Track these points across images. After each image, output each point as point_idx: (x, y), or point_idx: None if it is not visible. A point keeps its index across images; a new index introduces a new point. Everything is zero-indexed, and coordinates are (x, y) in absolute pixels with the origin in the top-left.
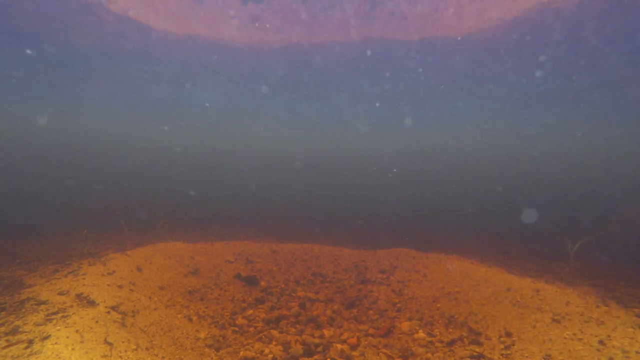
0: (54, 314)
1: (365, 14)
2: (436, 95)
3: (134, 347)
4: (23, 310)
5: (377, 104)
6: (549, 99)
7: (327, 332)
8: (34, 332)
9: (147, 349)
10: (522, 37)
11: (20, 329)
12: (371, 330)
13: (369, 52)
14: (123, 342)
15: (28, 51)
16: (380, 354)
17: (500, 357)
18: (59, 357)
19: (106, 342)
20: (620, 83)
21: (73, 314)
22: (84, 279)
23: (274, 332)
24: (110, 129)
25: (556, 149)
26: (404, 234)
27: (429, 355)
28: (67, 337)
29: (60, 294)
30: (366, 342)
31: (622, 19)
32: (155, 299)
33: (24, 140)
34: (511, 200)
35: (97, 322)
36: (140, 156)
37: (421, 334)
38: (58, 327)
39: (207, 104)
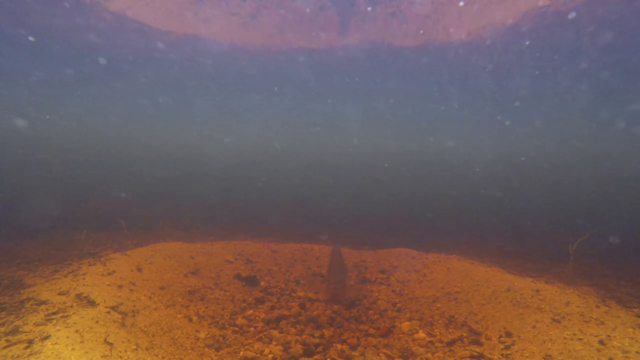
0: (54, 314)
1: (366, 16)
2: (438, 96)
3: (134, 347)
4: (23, 310)
5: (377, 105)
6: (546, 102)
7: (327, 332)
8: (34, 332)
9: (147, 349)
10: (522, 41)
11: (21, 329)
12: (371, 330)
13: (369, 54)
14: (123, 342)
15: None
16: (380, 354)
17: (500, 357)
18: (59, 357)
19: (106, 342)
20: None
21: (73, 314)
22: (84, 279)
23: (274, 332)
24: (108, 129)
25: (554, 150)
26: (405, 233)
27: (429, 355)
28: (67, 337)
29: (60, 294)
30: (366, 342)
31: (623, 24)
32: (155, 299)
33: (23, 140)
34: (512, 200)
35: (97, 322)
36: (139, 157)
37: (421, 334)
38: (58, 327)
39: (208, 108)
